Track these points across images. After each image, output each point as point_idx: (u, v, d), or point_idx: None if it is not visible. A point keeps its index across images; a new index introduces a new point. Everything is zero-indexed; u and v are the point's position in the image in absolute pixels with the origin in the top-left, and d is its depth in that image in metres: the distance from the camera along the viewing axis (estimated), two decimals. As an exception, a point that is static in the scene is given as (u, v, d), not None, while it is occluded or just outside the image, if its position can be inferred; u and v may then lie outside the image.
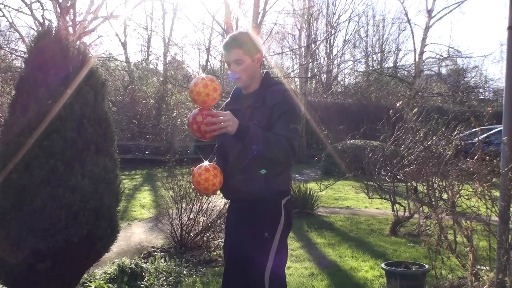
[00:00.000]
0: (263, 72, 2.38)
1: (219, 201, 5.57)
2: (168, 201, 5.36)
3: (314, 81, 26.00)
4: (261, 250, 2.21)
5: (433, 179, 4.21)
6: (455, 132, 4.42)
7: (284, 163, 2.22)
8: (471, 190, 3.50)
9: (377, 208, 7.78)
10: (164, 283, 4.05)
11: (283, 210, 2.26)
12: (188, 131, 2.22)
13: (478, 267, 3.52)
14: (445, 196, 4.06)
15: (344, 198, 9.06)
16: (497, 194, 3.38)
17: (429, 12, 18.71)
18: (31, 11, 15.29)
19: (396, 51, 27.30)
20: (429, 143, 4.46)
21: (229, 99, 2.46)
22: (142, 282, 3.99)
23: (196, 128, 2.12)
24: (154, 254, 4.95)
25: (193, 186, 2.27)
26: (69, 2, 11.81)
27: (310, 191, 7.35)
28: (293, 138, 2.16)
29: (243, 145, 2.14)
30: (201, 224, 5.25)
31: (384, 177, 5.97)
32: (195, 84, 2.10)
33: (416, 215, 5.51)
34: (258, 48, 2.31)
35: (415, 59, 19.69)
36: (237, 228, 2.33)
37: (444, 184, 3.99)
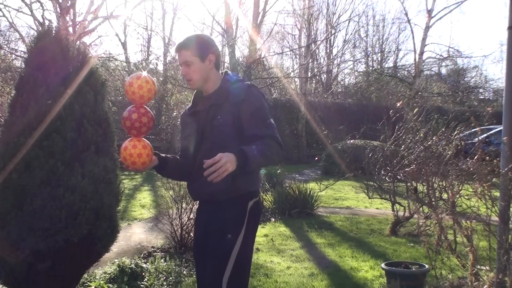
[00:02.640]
0: (222, 72, 2.37)
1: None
2: (168, 201, 5.36)
3: (314, 81, 26.00)
4: (222, 251, 2.16)
5: (433, 179, 4.21)
6: (455, 132, 4.42)
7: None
8: (471, 190, 3.50)
9: (377, 208, 7.78)
10: (164, 283, 4.05)
11: (247, 212, 2.21)
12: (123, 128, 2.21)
13: (478, 267, 3.52)
14: (445, 196, 4.06)
15: (344, 198, 9.06)
16: (497, 194, 3.38)
17: (429, 12, 18.72)
18: (31, 11, 15.29)
19: (396, 51, 27.34)
20: (429, 143, 4.46)
21: (190, 104, 2.43)
22: (142, 282, 4.00)
23: (130, 125, 2.13)
24: (154, 254, 4.95)
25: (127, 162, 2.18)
26: (69, 2, 11.81)
27: (310, 191, 7.35)
28: (275, 134, 2.17)
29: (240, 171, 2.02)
30: (201, 224, 5.24)
31: (384, 177, 5.97)
32: (130, 84, 2.12)
33: (416, 215, 5.51)
34: (210, 49, 2.27)
35: (415, 59, 19.71)
36: (204, 228, 2.30)
37: (444, 184, 3.99)
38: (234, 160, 1.94)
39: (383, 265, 3.82)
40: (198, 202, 2.46)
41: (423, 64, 20.45)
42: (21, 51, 16.07)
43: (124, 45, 24.47)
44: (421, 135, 4.85)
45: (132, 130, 2.15)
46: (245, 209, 2.22)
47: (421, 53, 19.29)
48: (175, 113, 17.30)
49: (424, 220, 4.19)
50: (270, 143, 2.11)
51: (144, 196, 8.90)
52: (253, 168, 2.05)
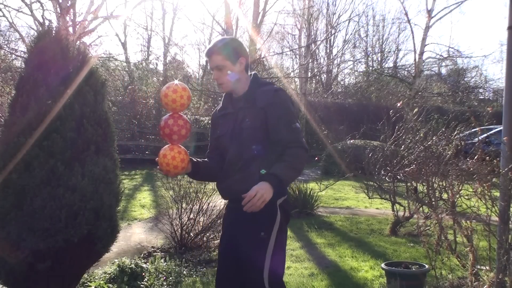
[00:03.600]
0: (251, 74, 2.39)
1: (219, 201, 5.57)
2: (168, 201, 5.36)
3: (314, 81, 26.00)
4: (258, 250, 2.20)
5: (433, 179, 4.21)
6: (455, 132, 4.43)
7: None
8: (471, 190, 3.49)
9: (377, 208, 7.78)
10: (164, 283, 4.05)
11: (278, 209, 2.25)
12: (161, 135, 2.35)
13: (478, 267, 3.52)
14: (445, 196, 4.06)
15: (344, 198, 9.06)
16: (497, 194, 3.38)
17: (429, 12, 18.72)
18: (31, 11, 15.31)
19: (396, 51, 27.32)
20: (429, 143, 4.46)
21: (220, 105, 2.47)
22: (142, 282, 4.00)
23: (169, 132, 2.25)
24: (154, 254, 4.95)
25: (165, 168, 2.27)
26: (69, 2, 11.81)
27: (310, 191, 7.34)
28: (301, 138, 2.24)
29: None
30: (201, 224, 5.25)
31: (384, 177, 5.98)
32: (166, 95, 2.23)
33: (416, 215, 5.51)
34: (241, 52, 2.31)
35: (415, 59, 19.70)
36: (233, 227, 2.33)
37: (444, 184, 3.99)
38: (269, 187, 2.06)
39: (383, 265, 3.82)
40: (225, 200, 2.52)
41: (423, 64, 20.45)
42: (21, 51, 16.09)
43: (124, 45, 24.51)
44: (421, 135, 4.85)
45: (174, 135, 2.25)
46: (275, 207, 2.25)
47: (421, 53, 19.29)
48: (175, 113, 17.28)
49: (424, 220, 4.19)
50: (297, 153, 2.19)
51: (144, 196, 8.90)
52: (287, 185, 2.18)
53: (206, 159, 2.47)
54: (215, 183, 2.50)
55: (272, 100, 2.24)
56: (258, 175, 2.14)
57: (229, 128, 2.33)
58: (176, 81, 2.29)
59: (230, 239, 2.34)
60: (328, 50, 26.80)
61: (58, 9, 11.93)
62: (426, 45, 19.33)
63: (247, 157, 2.24)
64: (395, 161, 5.55)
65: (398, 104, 6.42)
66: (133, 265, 4.18)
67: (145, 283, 3.99)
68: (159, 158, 2.25)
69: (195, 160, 2.37)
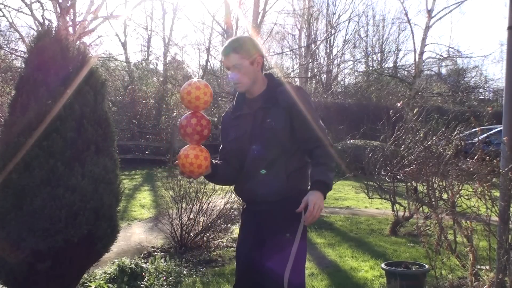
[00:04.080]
0: (265, 74, 2.35)
1: (219, 201, 5.57)
2: (168, 201, 5.36)
3: (314, 81, 25.98)
4: (283, 252, 2.16)
5: (433, 179, 4.22)
6: (455, 132, 4.43)
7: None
8: (471, 190, 3.50)
9: (377, 208, 7.78)
10: (164, 283, 4.05)
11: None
12: (181, 135, 2.24)
13: (478, 267, 3.52)
14: (445, 196, 4.07)
15: (344, 198, 9.06)
16: (497, 194, 3.38)
17: (429, 12, 18.73)
18: (31, 11, 15.31)
19: (396, 51, 27.29)
20: (429, 143, 4.47)
21: (234, 106, 2.38)
22: (142, 282, 4.00)
23: (191, 132, 2.16)
24: (154, 254, 4.95)
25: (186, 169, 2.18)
26: (69, 2, 11.82)
27: (310, 191, 7.33)
28: (327, 135, 2.26)
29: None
30: (201, 224, 5.25)
31: (384, 177, 5.98)
32: (188, 92, 2.15)
33: (416, 215, 5.51)
34: (257, 51, 2.26)
35: (415, 59, 19.72)
36: (256, 231, 2.27)
37: (444, 184, 3.99)
38: (320, 195, 2.10)
39: (383, 265, 3.82)
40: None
41: (423, 64, 20.45)
42: (21, 51, 16.09)
43: (124, 45, 24.47)
44: (421, 135, 4.85)
45: (196, 135, 2.18)
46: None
47: (421, 53, 19.30)
48: (175, 113, 17.29)
49: (424, 220, 4.19)
50: (328, 152, 2.21)
51: (144, 196, 8.90)
52: (331, 187, 2.20)
53: (221, 161, 2.39)
54: (234, 185, 2.43)
55: (296, 99, 2.21)
56: (284, 175, 2.17)
57: (247, 129, 2.26)
58: (195, 79, 2.20)
59: (252, 243, 2.27)
60: (328, 50, 26.79)
61: (58, 9, 11.93)
62: (426, 45, 19.36)
63: (271, 158, 2.19)
64: (395, 161, 5.55)
65: (398, 104, 6.42)
66: (133, 265, 4.18)
67: (145, 283, 3.99)
68: (181, 159, 2.13)
69: (214, 161, 2.30)
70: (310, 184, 2.24)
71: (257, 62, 2.24)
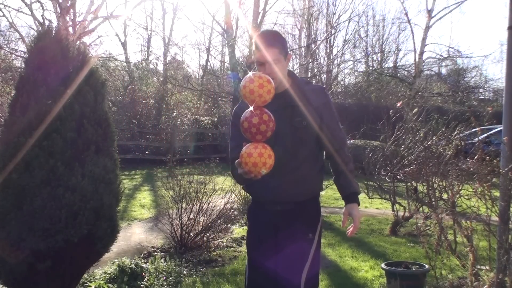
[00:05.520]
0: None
1: (219, 201, 5.57)
2: (168, 201, 5.36)
3: (314, 81, 25.97)
4: (303, 252, 2.15)
5: (433, 179, 4.22)
6: (455, 132, 4.43)
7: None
8: (471, 190, 3.50)
9: (377, 208, 7.78)
10: (164, 283, 4.04)
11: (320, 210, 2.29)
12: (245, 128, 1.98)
13: (478, 267, 3.52)
14: (445, 196, 4.07)
15: (344, 198, 9.05)
16: (497, 194, 3.38)
17: (429, 12, 18.73)
18: (31, 11, 15.33)
19: (396, 51, 27.27)
20: (429, 143, 4.47)
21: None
22: (142, 282, 3.99)
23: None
24: (154, 254, 4.95)
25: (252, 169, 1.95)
26: (69, 2, 11.82)
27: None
28: (345, 136, 2.38)
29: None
30: (201, 224, 5.25)
31: (384, 177, 5.98)
32: (246, 85, 1.93)
33: (416, 215, 5.51)
34: (287, 48, 2.24)
35: (415, 59, 19.71)
36: (275, 232, 2.21)
37: (444, 184, 3.99)
38: (357, 207, 2.28)
39: (383, 265, 3.82)
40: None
41: (423, 64, 20.45)
42: (21, 51, 16.11)
43: (124, 45, 24.49)
44: (421, 135, 4.86)
45: (258, 135, 1.95)
46: (319, 208, 2.30)
47: (421, 53, 19.30)
48: (175, 113, 17.30)
49: (424, 220, 4.19)
50: (349, 157, 2.30)
51: (144, 196, 8.90)
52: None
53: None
54: (247, 184, 2.29)
55: (326, 100, 2.21)
56: (314, 175, 2.22)
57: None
58: (250, 73, 1.96)
59: (270, 245, 2.21)
60: (328, 50, 26.75)
61: (58, 9, 11.94)
62: (426, 45, 19.35)
63: (301, 157, 2.16)
64: (395, 161, 5.55)
65: (398, 104, 6.42)
66: (133, 265, 4.18)
67: (145, 283, 3.99)
68: (243, 158, 1.91)
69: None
70: (344, 194, 2.32)
71: (288, 58, 2.21)
